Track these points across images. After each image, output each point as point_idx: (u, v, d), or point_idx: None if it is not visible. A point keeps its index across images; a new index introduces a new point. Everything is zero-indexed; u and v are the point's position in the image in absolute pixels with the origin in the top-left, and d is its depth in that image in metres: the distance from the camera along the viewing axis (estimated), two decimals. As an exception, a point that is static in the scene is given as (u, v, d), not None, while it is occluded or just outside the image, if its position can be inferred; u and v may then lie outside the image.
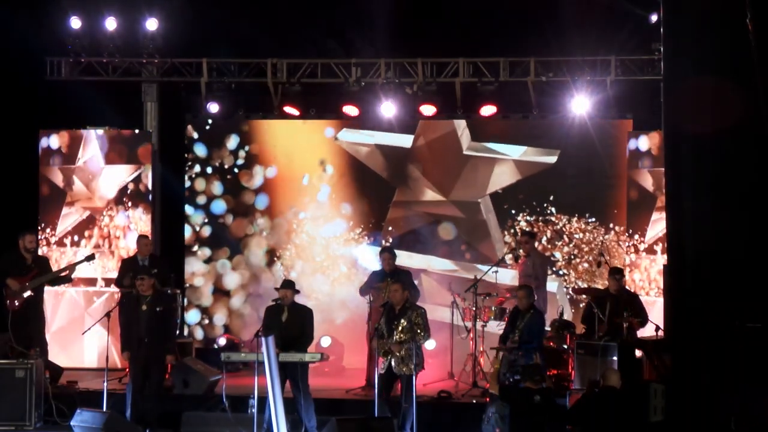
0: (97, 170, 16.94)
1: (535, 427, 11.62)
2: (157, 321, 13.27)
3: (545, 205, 16.89)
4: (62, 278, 15.12)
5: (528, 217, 16.87)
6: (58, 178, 16.96)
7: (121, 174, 16.95)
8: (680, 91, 11.89)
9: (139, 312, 13.24)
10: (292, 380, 12.85)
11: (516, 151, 16.98)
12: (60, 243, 16.87)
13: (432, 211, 17.20)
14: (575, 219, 16.87)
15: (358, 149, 17.30)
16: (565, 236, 16.30)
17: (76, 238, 16.86)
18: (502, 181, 17.01)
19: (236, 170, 17.39)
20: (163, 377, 13.59)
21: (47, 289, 15.28)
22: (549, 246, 16.67)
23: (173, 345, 13.75)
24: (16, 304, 14.57)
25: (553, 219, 16.87)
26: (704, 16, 11.74)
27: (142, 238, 15.68)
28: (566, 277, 16.84)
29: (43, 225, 16.81)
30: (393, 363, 12.79)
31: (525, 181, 16.94)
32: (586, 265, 16.76)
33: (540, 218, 16.90)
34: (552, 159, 16.86)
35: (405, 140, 17.19)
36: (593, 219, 16.86)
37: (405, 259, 16.49)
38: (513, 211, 16.95)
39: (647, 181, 16.35)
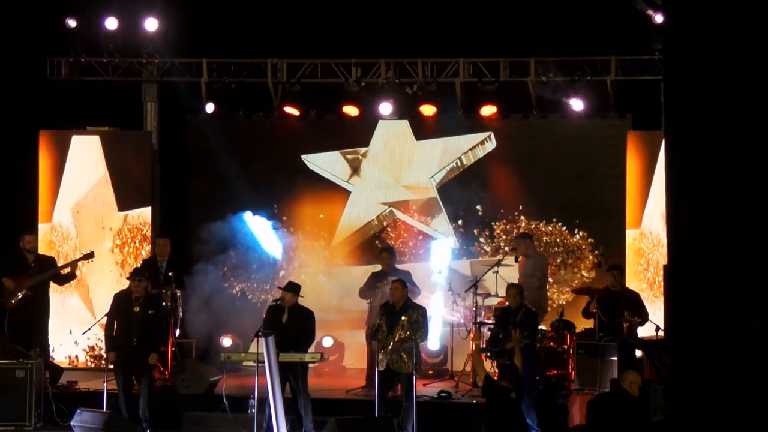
0: (97, 171, 16.94)
1: (509, 423, 11.72)
2: (149, 323, 13.29)
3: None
4: (66, 276, 15.10)
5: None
6: (58, 178, 16.96)
7: (121, 174, 16.95)
8: (681, 91, 11.89)
9: (132, 314, 13.24)
10: (291, 380, 12.85)
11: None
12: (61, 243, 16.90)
13: (385, 201, 17.20)
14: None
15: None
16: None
17: (76, 238, 16.86)
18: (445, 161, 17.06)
19: (235, 170, 17.40)
20: (151, 377, 13.58)
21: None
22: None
23: (158, 347, 13.77)
24: (12, 302, 14.59)
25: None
26: (704, 15, 11.74)
27: (161, 240, 15.67)
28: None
29: (41, 225, 16.82)
30: (392, 361, 12.78)
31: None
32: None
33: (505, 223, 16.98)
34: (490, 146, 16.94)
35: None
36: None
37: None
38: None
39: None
